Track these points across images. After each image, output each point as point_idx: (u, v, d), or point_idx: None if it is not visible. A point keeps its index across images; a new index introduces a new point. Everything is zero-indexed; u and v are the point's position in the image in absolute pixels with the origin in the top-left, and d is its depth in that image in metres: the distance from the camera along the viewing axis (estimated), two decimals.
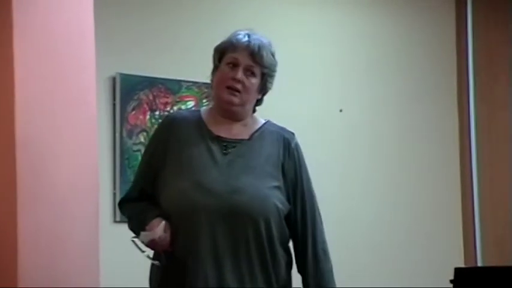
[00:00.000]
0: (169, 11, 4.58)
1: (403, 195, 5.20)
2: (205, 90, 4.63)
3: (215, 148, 2.78)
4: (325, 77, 5.05)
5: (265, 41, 2.83)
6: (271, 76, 2.84)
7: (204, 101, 4.65)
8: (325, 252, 2.89)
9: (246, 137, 2.83)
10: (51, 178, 3.37)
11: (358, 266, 4.99)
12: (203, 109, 2.91)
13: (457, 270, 3.17)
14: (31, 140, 2.90)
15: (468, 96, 5.42)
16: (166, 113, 4.48)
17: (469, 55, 5.44)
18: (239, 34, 2.83)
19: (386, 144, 5.19)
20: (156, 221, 2.71)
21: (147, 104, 4.49)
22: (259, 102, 2.89)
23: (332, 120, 5.02)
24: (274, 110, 4.79)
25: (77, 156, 3.39)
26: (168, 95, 4.57)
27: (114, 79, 4.39)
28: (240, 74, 2.77)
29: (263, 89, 2.85)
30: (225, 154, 2.78)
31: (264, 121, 2.91)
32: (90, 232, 3.20)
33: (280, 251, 2.80)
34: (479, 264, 5.24)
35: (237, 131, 2.83)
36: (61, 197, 3.13)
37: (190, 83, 4.60)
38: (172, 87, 4.57)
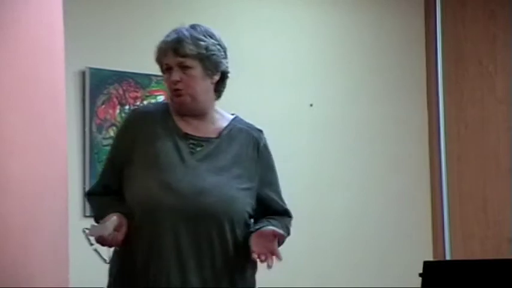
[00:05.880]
0: (139, 6, 4.56)
1: (373, 190, 5.22)
2: None
3: (183, 146, 2.76)
4: (295, 72, 5.05)
5: (184, 31, 2.79)
6: (209, 56, 2.78)
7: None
8: (286, 230, 2.91)
9: (214, 135, 2.81)
10: (19, 173, 3.34)
11: (328, 258, 5.00)
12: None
13: (426, 264, 3.19)
14: None
15: (437, 91, 5.46)
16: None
17: (438, 50, 5.47)
18: (165, 37, 2.81)
19: (356, 139, 5.21)
20: (109, 217, 2.69)
21: (117, 98, 4.47)
22: (220, 86, 2.84)
23: (303, 115, 5.02)
24: (245, 104, 4.81)
25: (46, 150, 3.36)
26: (137, 90, 4.55)
27: (83, 73, 4.37)
28: (175, 75, 2.75)
29: (212, 71, 2.80)
30: (193, 153, 2.76)
31: (231, 117, 2.90)
32: (59, 227, 3.18)
33: (245, 253, 2.78)
34: (448, 258, 5.27)
35: (205, 129, 2.81)
36: (30, 192, 3.10)
37: (160, 78, 4.56)
38: (141, 81, 4.55)
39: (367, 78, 5.29)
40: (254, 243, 2.69)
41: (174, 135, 2.78)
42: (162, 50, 2.80)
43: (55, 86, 3.33)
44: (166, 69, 2.79)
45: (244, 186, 2.78)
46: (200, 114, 2.81)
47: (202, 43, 2.77)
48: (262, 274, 4.72)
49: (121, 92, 4.49)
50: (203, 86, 2.78)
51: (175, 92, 2.78)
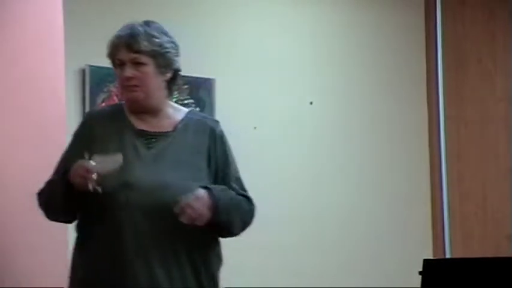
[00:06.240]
0: (138, 3, 4.56)
1: (373, 188, 5.22)
2: None
3: (139, 143, 2.74)
4: (295, 69, 5.05)
5: (139, 26, 2.77)
6: (163, 54, 2.76)
7: (175, 93, 4.63)
8: (247, 205, 2.83)
9: (170, 128, 2.79)
10: (19, 171, 3.35)
11: (327, 257, 5.00)
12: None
13: (426, 262, 3.18)
14: None
15: (437, 90, 5.45)
16: None
17: (438, 49, 5.47)
18: (118, 32, 2.78)
19: (356, 137, 5.20)
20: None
21: (117, 96, 4.45)
22: (172, 84, 2.83)
23: (302, 113, 5.02)
24: (244, 102, 4.81)
25: (46, 148, 3.36)
26: None
27: (83, 71, 4.36)
28: (128, 72, 2.72)
29: (165, 69, 2.78)
30: (150, 148, 2.74)
31: (186, 110, 2.89)
32: (59, 227, 3.18)
33: (207, 245, 2.78)
34: (448, 256, 5.27)
35: (160, 124, 2.79)
36: (29, 190, 3.11)
37: None
38: None
39: (367, 77, 5.29)
40: (193, 198, 2.64)
41: (129, 133, 2.76)
42: (115, 45, 2.76)
43: (55, 84, 3.34)
44: (119, 64, 2.76)
45: (203, 176, 2.76)
46: (153, 111, 2.80)
47: (156, 40, 2.75)
48: (261, 273, 4.73)
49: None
50: (155, 83, 2.76)
51: (127, 89, 2.75)
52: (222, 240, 2.86)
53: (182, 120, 2.83)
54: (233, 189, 2.83)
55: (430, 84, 5.48)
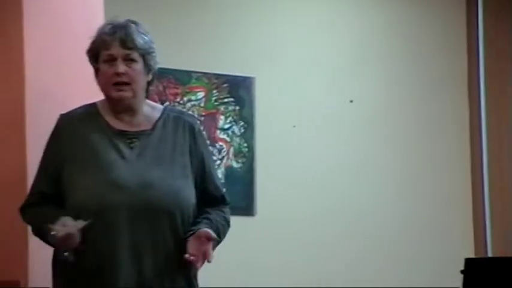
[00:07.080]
0: (177, 2, 4.58)
1: (414, 187, 5.19)
2: (215, 81, 4.64)
3: (120, 143, 2.71)
4: (335, 67, 5.04)
5: (131, 24, 2.75)
6: (150, 53, 2.76)
7: (214, 91, 4.65)
8: (226, 222, 2.82)
9: (149, 127, 2.77)
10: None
11: (370, 255, 4.99)
12: (100, 101, 2.80)
13: (468, 261, 3.17)
14: (41, 131, 2.89)
15: (479, 88, 5.41)
16: (175, 104, 4.48)
17: (479, 46, 5.42)
18: (103, 28, 2.75)
19: (396, 136, 5.18)
20: (68, 218, 2.58)
21: (157, 94, 4.48)
22: (150, 83, 2.81)
23: (342, 111, 5.01)
24: (284, 100, 4.81)
25: None
26: (177, 86, 4.57)
27: None
28: (121, 67, 2.69)
29: (150, 69, 2.77)
30: (132, 148, 2.71)
31: (162, 107, 2.87)
32: None
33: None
34: (489, 255, 5.23)
35: (139, 123, 2.76)
36: None
37: (200, 74, 4.61)
38: (181, 78, 4.57)
39: (407, 75, 5.26)
40: (189, 244, 2.65)
41: (108, 134, 2.73)
42: (104, 40, 2.72)
43: (95, 86, 3.35)
44: (107, 60, 2.72)
45: (185, 172, 2.74)
46: (133, 110, 2.76)
47: (146, 39, 2.76)
48: (298, 269, 4.73)
49: (161, 88, 4.50)
50: (142, 82, 2.75)
51: (116, 86, 2.71)
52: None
53: (160, 117, 2.80)
54: (216, 187, 2.83)
55: (472, 81, 5.44)
